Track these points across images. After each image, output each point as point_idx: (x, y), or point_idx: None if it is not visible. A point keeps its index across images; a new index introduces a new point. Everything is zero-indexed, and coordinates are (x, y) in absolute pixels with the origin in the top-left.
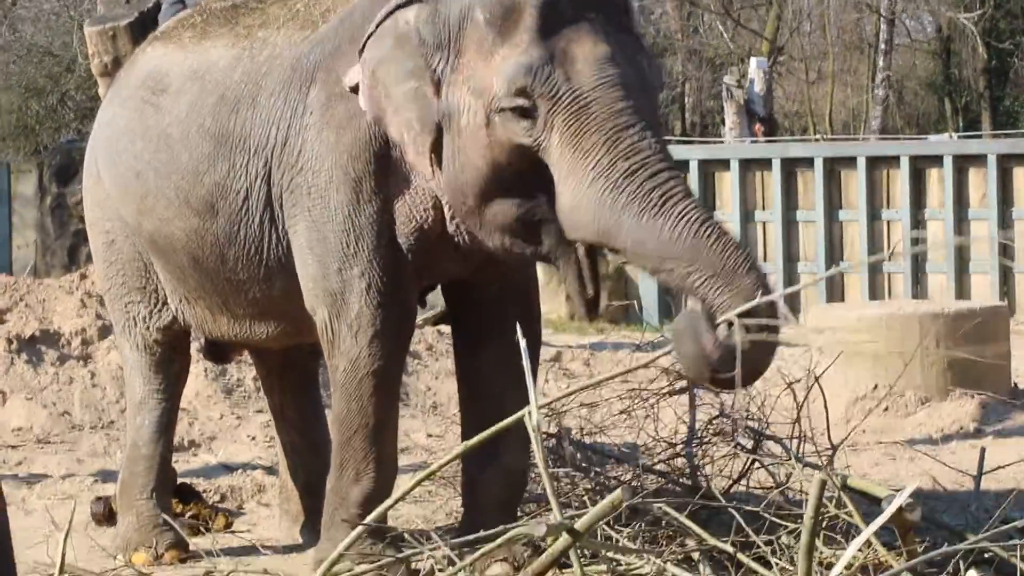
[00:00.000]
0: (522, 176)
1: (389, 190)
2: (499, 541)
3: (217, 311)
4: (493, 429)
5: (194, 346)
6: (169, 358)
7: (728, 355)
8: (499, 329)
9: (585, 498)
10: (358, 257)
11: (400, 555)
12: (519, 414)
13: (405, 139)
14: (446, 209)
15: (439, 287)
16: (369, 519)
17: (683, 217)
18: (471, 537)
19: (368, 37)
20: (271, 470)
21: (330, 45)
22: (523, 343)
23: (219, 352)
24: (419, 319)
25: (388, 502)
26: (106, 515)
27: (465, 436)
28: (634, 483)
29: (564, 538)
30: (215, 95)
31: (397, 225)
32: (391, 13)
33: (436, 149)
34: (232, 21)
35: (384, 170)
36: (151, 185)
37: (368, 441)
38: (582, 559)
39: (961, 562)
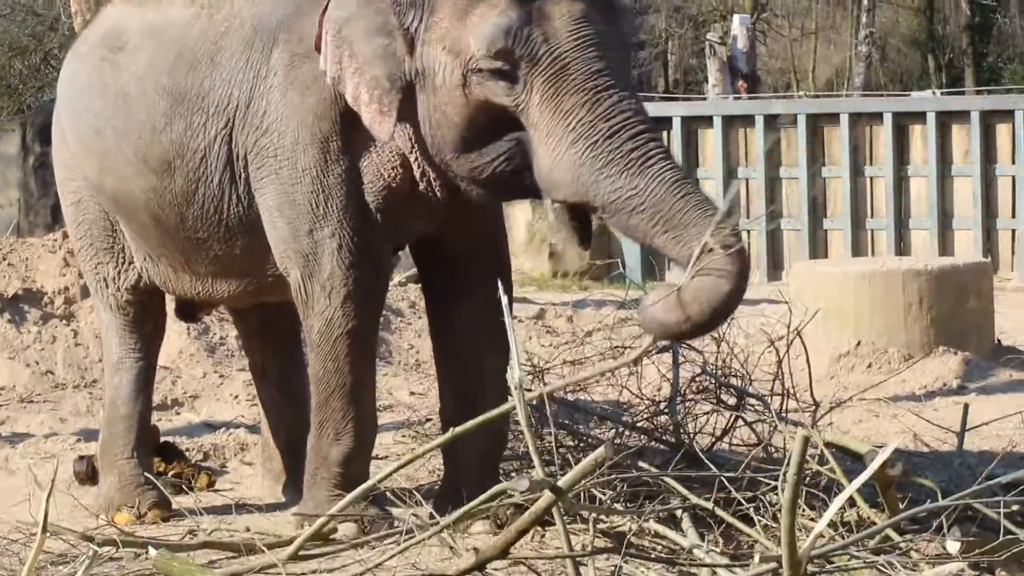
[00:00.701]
0: (499, 131)
1: (356, 149)
2: (481, 499)
3: (180, 269)
4: (488, 415)
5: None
6: (142, 317)
7: (689, 299)
8: (470, 286)
9: (568, 456)
10: (328, 218)
11: (383, 513)
12: (508, 407)
13: (367, 97)
14: (415, 167)
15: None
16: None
17: (659, 176)
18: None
19: None
20: (254, 429)
21: (292, 5)
22: (504, 300)
23: (188, 310)
24: (402, 277)
25: (367, 484)
26: (88, 474)
27: (443, 394)
28: (617, 441)
29: (547, 496)
30: (172, 52)
31: (365, 184)
32: None
33: (406, 108)
34: None
35: (350, 130)
36: (111, 143)
37: (346, 400)
38: (564, 517)
39: (944, 519)
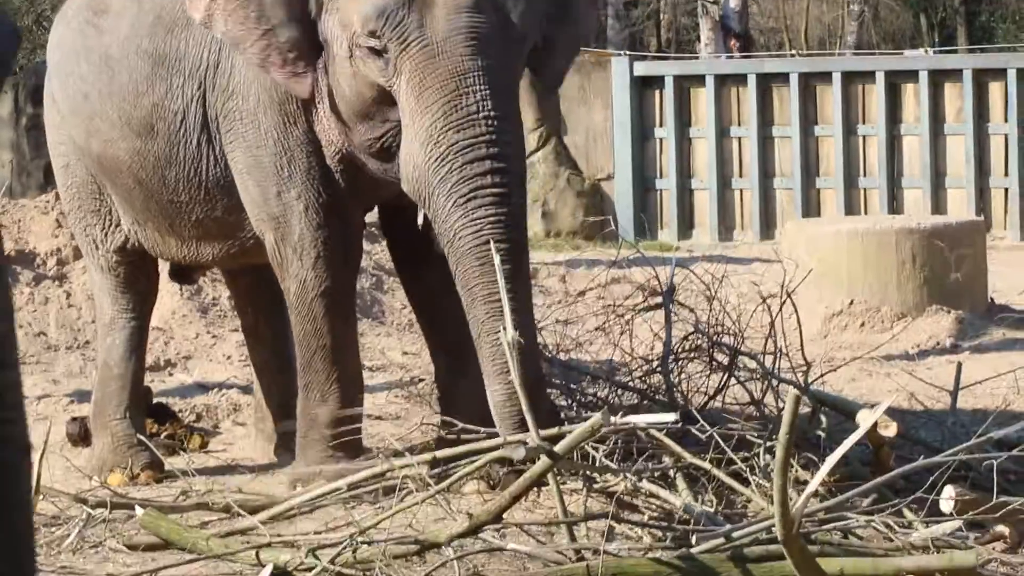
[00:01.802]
0: (386, 107)
1: (310, 114)
2: (478, 464)
3: (166, 233)
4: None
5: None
6: (134, 277)
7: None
8: (439, 247)
9: (563, 416)
10: (293, 180)
11: (375, 470)
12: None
13: (280, 60)
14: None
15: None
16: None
17: (472, 225)
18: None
19: None
20: (247, 389)
21: None
22: (497, 259)
23: (183, 273)
24: None
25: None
26: (81, 435)
27: (434, 357)
28: (611, 399)
29: (543, 461)
30: (152, 15)
31: (323, 147)
32: None
33: (325, 72)
34: None
35: None
36: (96, 107)
37: (328, 361)
38: (559, 479)
39: (937, 477)
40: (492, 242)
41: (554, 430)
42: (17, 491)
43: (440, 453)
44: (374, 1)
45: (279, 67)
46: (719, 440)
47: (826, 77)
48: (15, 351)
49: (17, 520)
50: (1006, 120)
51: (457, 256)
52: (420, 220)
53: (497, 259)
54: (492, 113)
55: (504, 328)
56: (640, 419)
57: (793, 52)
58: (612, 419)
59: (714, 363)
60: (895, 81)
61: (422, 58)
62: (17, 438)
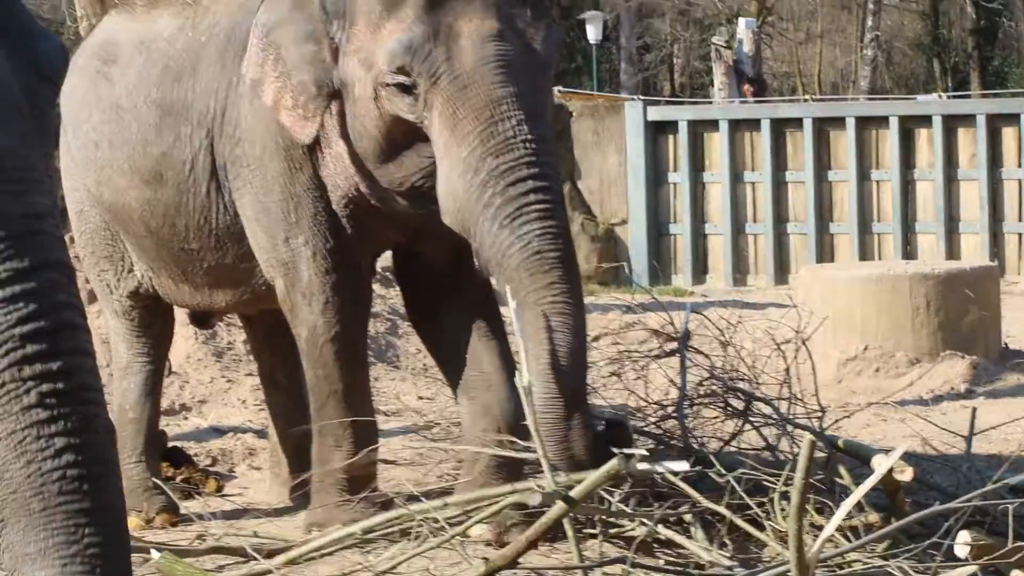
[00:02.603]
0: (414, 145)
1: (316, 159)
2: (492, 510)
3: (179, 280)
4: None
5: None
6: (149, 322)
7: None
8: (453, 290)
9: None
10: (300, 225)
11: (390, 514)
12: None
13: (291, 102)
14: (357, 177)
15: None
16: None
17: (519, 241)
18: (462, 497)
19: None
20: (262, 434)
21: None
22: (513, 304)
23: (200, 317)
24: None
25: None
26: None
27: (457, 399)
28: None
29: (559, 506)
30: (160, 65)
31: (329, 192)
32: None
33: (337, 117)
34: None
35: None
36: (107, 156)
37: (340, 406)
38: (575, 525)
39: (953, 523)
40: (541, 252)
41: (579, 476)
42: (109, 471)
43: (454, 498)
44: (398, 38)
45: (289, 109)
46: (734, 485)
47: (840, 122)
48: (91, 343)
49: (112, 500)
50: (1019, 165)
51: (508, 273)
52: (477, 263)
53: (513, 304)
54: (529, 136)
55: (519, 371)
56: (656, 466)
57: (807, 97)
58: (629, 463)
59: (729, 408)
60: (909, 126)
61: (453, 90)
62: (104, 420)
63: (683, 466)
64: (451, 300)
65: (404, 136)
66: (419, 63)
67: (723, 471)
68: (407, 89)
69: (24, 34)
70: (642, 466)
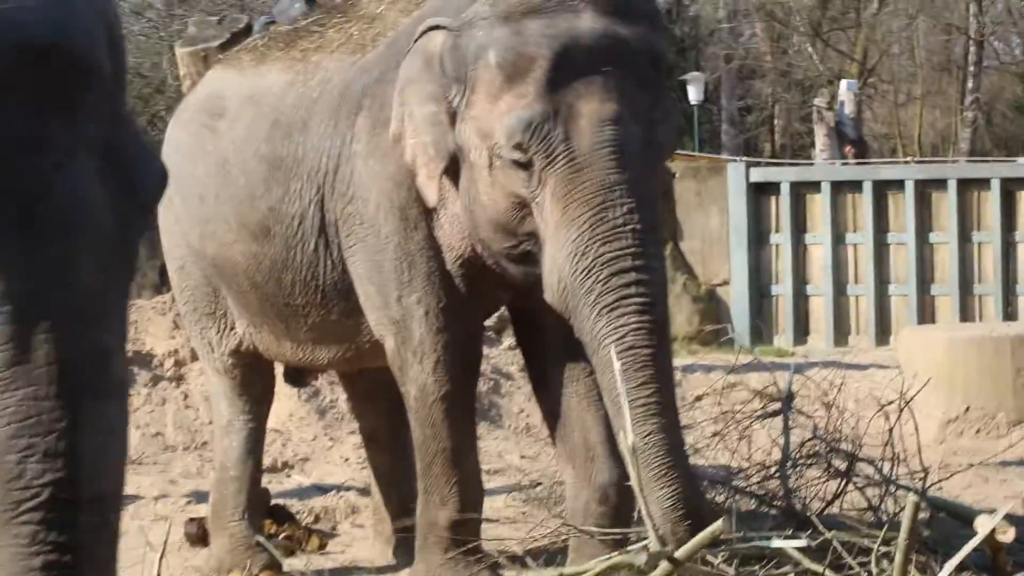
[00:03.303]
0: (525, 216)
1: (431, 219)
2: (598, 570)
3: (281, 336)
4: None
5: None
6: (250, 380)
7: None
8: (565, 354)
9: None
10: (414, 284)
11: None
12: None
13: (418, 161)
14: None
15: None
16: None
17: (615, 333)
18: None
19: (406, 54)
20: (364, 491)
21: (376, 71)
22: (617, 364)
23: (296, 375)
24: (511, 340)
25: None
26: (200, 536)
27: (560, 461)
28: (727, 503)
29: (664, 566)
30: (269, 120)
31: (443, 252)
32: (425, 32)
33: (452, 177)
34: (290, 45)
35: None
36: (212, 209)
37: (448, 465)
38: None
39: None
40: (634, 349)
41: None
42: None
43: (569, 570)
44: (519, 114)
45: (419, 169)
46: (836, 546)
47: (941, 184)
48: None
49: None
50: None
51: (603, 364)
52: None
53: (617, 364)
54: (638, 226)
55: (624, 432)
56: (771, 542)
57: (908, 159)
58: (737, 533)
59: (831, 469)
60: (1010, 188)
61: (568, 171)
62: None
63: (799, 543)
64: (561, 363)
65: (515, 206)
66: (537, 142)
67: (824, 530)
68: (523, 166)
69: (129, 161)
70: (755, 543)
